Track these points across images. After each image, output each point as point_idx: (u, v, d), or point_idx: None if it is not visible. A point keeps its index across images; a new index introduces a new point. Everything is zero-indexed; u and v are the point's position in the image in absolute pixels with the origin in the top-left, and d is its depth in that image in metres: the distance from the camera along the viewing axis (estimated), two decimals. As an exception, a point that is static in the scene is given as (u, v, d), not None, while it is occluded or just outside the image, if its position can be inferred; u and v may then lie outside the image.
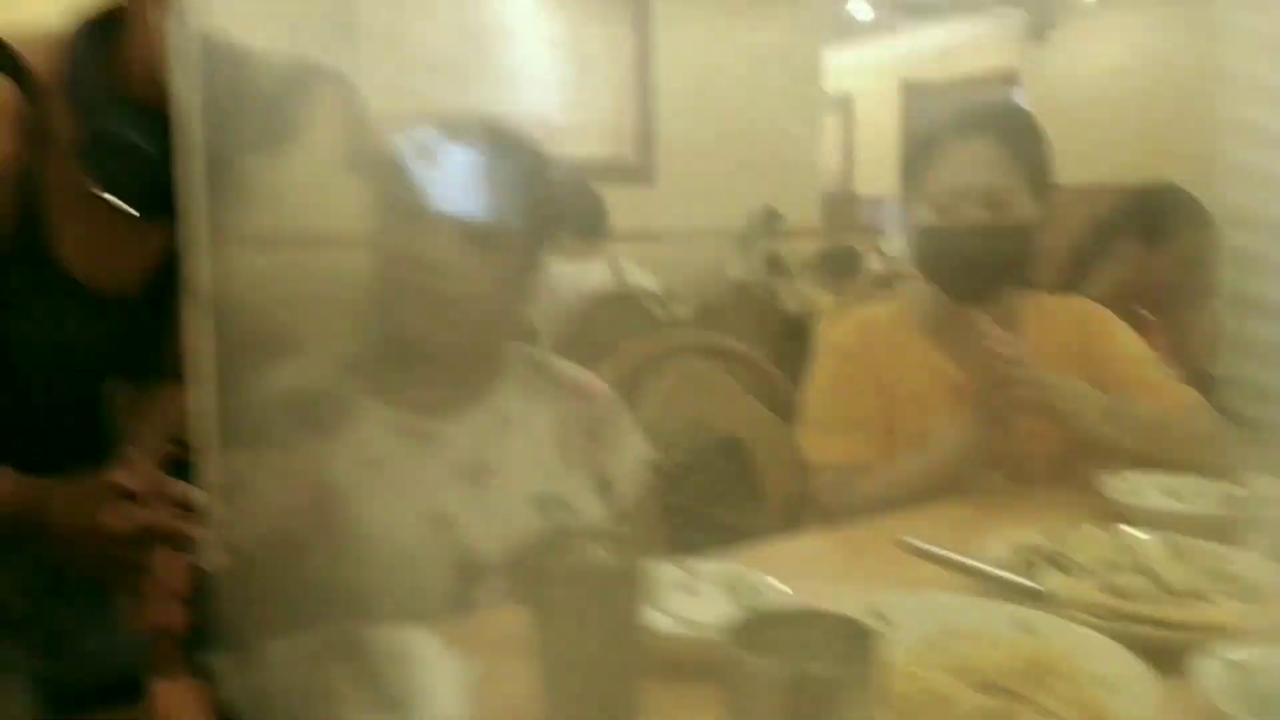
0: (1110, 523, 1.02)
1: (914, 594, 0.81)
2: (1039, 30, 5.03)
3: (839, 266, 3.79)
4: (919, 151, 1.28)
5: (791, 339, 3.45)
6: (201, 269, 0.73)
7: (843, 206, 5.31)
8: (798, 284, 3.73)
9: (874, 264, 3.92)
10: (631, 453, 1.14)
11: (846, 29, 5.44)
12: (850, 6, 5.29)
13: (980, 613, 0.78)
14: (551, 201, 1.10)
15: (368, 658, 0.76)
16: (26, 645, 0.99)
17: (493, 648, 0.81)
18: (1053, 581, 0.85)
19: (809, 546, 1.17)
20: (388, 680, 0.73)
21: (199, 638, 0.83)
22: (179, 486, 0.87)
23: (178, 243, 1.01)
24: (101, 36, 0.87)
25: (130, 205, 0.84)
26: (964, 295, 1.25)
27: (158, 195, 0.82)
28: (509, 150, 1.06)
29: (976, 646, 0.71)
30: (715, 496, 1.42)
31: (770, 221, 4.04)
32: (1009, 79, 5.26)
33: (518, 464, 1.06)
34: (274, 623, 0.93)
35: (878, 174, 6.11)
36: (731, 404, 1.57)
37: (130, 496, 0.86)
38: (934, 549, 0.85)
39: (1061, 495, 1.21)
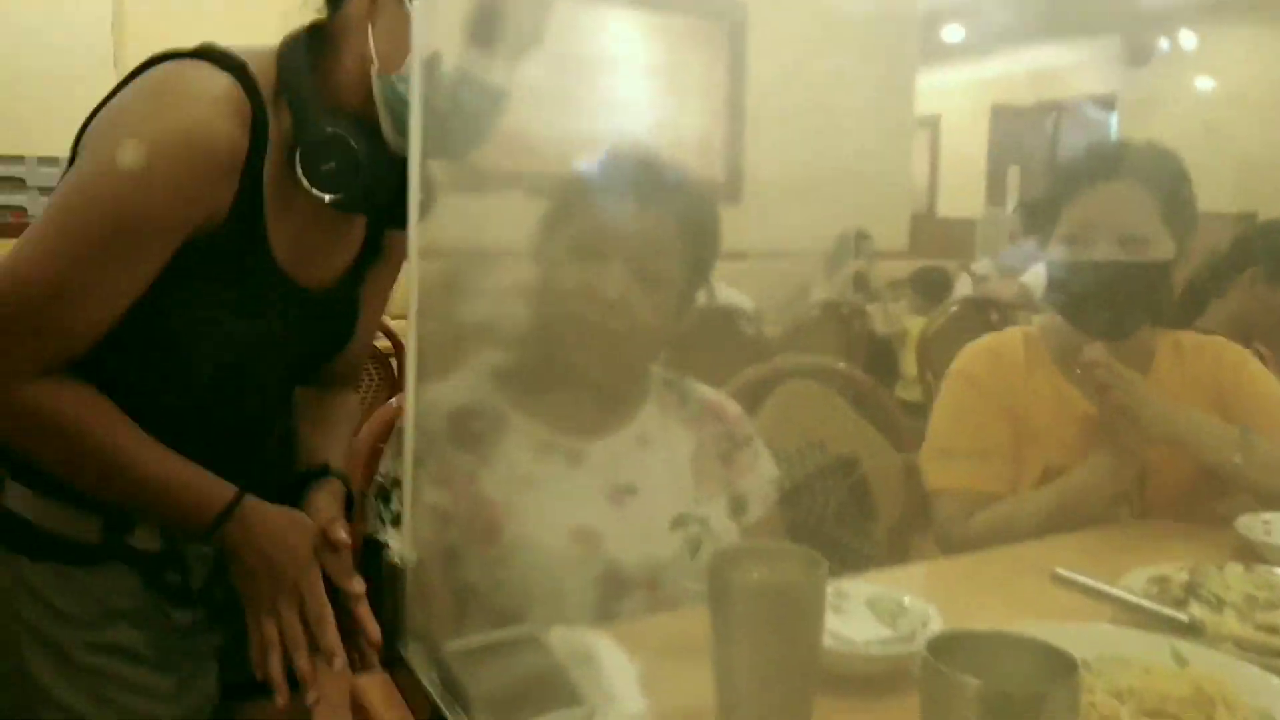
0: (1247, 560, 1.03)
1: (1065, 623, 0.83)
2: (1138, 54, 4.97)
3: (928, 288, 3.78)
4: (1059, 186, 1.30)
5: (880, 360, 3.46)
6: (419, 278, 0.80)
7: (931, 228, 5.29)
8: (886, 305, 3.73)
9: (963, 286, 3.91)
10: (762, 473, 1.18)
11: (937, 52, 5.42)
12: (942, 30, 5.28)
13: (1134, 643, 0.80)
14: (709, 238, 1.15)
15: (550, 654, 0.81)
16: (214, 626, 1.07)
17: (657, 651, 0.86)
18: (1200, 616, 0.87)
19: (943, 571, 1.20)
20: (571, 676, 0.78)
21: (394, 630, 0.89)
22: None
23: (365, 245, 1.08)
24: (310, 49, 0.95)
25: (337, 201, 0.92)
26: (1098, 330, 1.27)
27: (361, 194, 0.91)
28: (675, 191, 1.12)
29: (1138, 674, 0.74)
30: (833, 517, 1.45)
31: (859, 242, 4.06)
32: (1105, 103, 5.19)
33: (657, 483, 1.11)
34: (456, 619, 0.99)
35: (966, 196, 6.07)
36: (846, 426, 1.61)
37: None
38: (1084, 580, 0.88)
39: (1191, 530, 1.22)
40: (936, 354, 2.75)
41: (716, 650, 0.72)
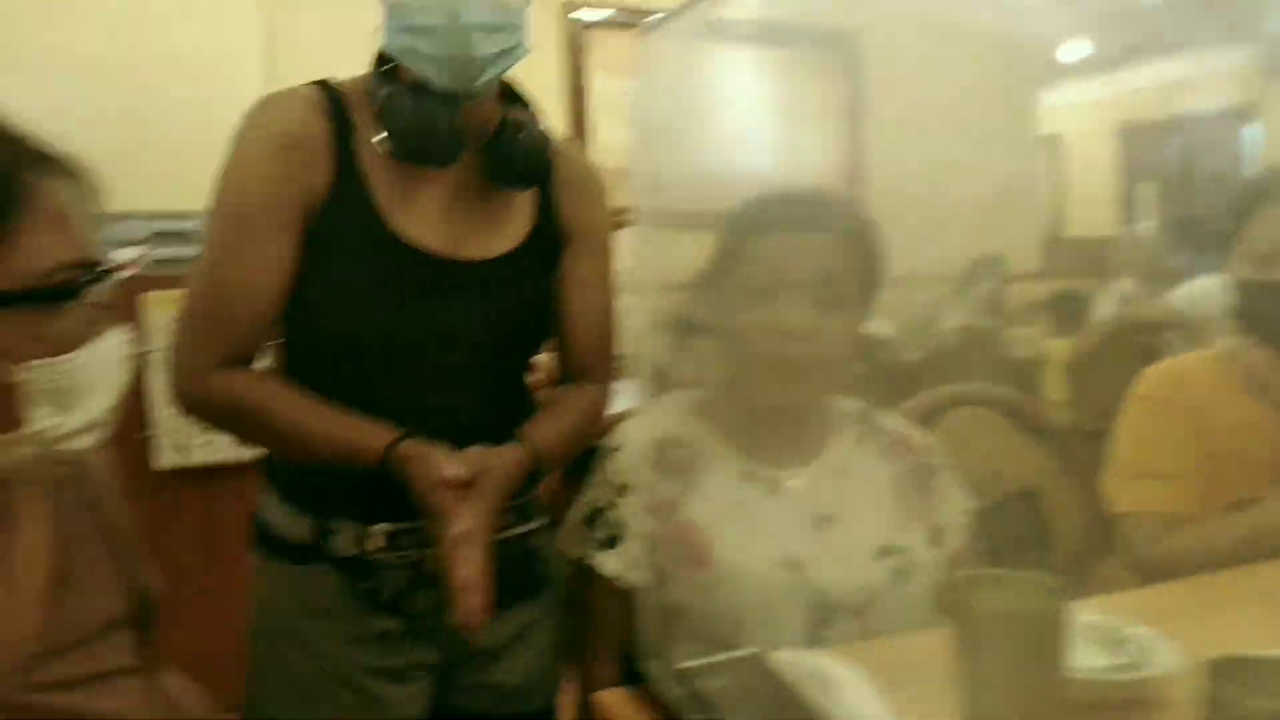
0: None
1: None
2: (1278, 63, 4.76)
3: (1067, 310, 3.69)
4: (1239, 206, 1.29)
5: (1021, 385, 3.39)
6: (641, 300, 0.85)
7: (1062, 249, 5.16)
8: (1024, 329, 3.66)
9: (1105, 307, 3.80)
10: (956, 503, 1.19)
11: (1058, 70, 5.31)
12: (1065, 46, 5.18)
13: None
14: (877, 265, 1.18)
15: (781, 675, 0.85)
16: (417, 640, 1.12)
17: (877, 677, 0.88)
18: None
19: (1149, 598, 1.19)
20: (811, 697, 0.81)
21: (635, 647, 0.93)
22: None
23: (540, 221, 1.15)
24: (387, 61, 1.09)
25: (403, 150, 1.05)
26: (1287, 351, 1.25)
27: (409, 139, 1.04)
28: (843, 221, 1.15)
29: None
30: (1012, 546, 1.45)
31: (991, 266, 3.99)
32: (1243, 115, 4.99)
33: (858, 513, 1.13)
34: (669, 639, 1.03)
35: (1094, 216, 5.90)
36: (1019, 453, 1.60)
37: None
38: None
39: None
40: (1087, 377, 2.69)
41: (962, 676, 0.75)
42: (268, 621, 1.13)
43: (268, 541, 1.13)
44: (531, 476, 1.10)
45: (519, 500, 1.12)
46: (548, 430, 1.13)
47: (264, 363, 1.11)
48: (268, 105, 1.07)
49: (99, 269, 0.72)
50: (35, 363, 0.68)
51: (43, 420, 0.69)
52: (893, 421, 1.23)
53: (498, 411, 1.13)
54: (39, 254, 0.68)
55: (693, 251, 1.23)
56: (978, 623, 0.73)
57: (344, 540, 1.08)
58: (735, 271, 1.13)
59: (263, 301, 1.04)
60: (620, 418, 1.29)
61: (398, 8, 1.02)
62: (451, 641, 1.12)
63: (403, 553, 1.08)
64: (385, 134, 1.04)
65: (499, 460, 1.04)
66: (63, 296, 0.69)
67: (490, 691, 1.16)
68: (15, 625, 0.74)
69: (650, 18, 0.95)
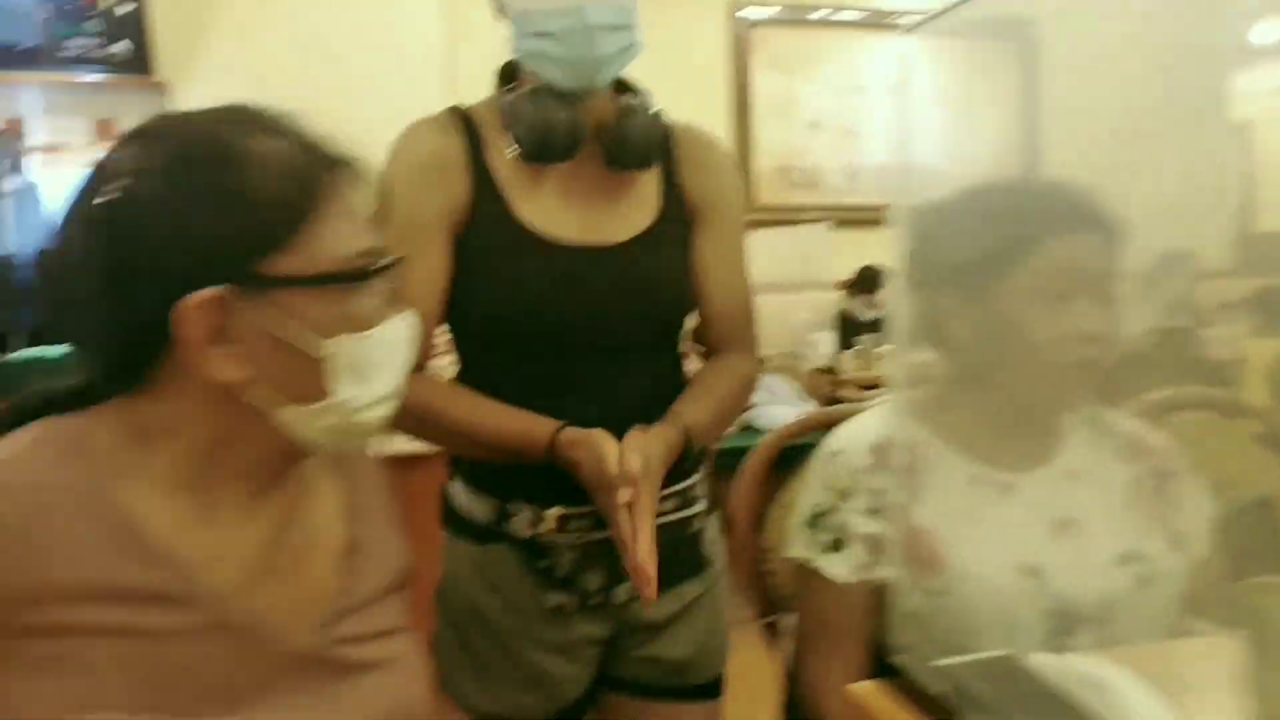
0: None
1: None
2: None
3: (1270, 310, 3.47)
4: None
5: (1222, 387, 3.19)
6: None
7: (1260, 244, 4.85)
8: (1223, 329, 3.45)
9: (1309, 307, 3.55)
10: (1199, 507, 1.15)
11: (1253, 52, 4.99)
12: (1258, 27, 4.86)
13: None
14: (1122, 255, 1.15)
15: (1043, 678, 0.83)
16: (589, 615, 1.18)
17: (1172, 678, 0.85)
18: None
19: None
20: (1084, 701, 0.79)
21: (878, 643, 0.93)
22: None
23: (661, 204, 1.20)
24: (511, 77, 1.19)
25: (529, 151, 1.12)
26: None
27: (534, 139, 1.11)
28: (1106, 213, 1.12)
29: None
30: (1252, 555, 1.37)
31: (1180, 262, 3.79)
32: None
33: (1095, 517, 1.10)
34: (923, 641, 1.03)
35: (1291, 207, 5.51)
36: (1249, 459, 1.52)
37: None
38: None
39: None
40: (1295, 381, 2.52)
41: (1258, 685, 0.72)
42: (452, 595, 1.21)
43: (453, 520, 1.22)
44: (685, 453, 1.14)
45: (681, 486, 1.19)
46: (698, 409, 1.17)
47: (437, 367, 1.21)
48: (409, 133, 1.16)
49: (384, 258, 0.78)
50: (340, 337, 0.73)
51: (345, 391, 0.75)
52: (1128, 423, 1.19)
53: (654, 389, 1.19)
54: (338, 242, 0.75)
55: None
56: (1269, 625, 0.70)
57: (520, 522, 1.15)
58: (1011, 272, 1.09)
59: (425, 310, 1.11)
60: (837, 418, 1.29)
61: (524, 17, 1.09)
62: (619, 616, 1.20)
63: (573, 535, 1.15)
64: (514, 140, 1.12)
65: (656, 448, 1.09)
66: (359, 279, 0.75)
67: (655, 664, 1.22)
68: (320, 584, 0.81)
69: (909, 18, 0.95)
